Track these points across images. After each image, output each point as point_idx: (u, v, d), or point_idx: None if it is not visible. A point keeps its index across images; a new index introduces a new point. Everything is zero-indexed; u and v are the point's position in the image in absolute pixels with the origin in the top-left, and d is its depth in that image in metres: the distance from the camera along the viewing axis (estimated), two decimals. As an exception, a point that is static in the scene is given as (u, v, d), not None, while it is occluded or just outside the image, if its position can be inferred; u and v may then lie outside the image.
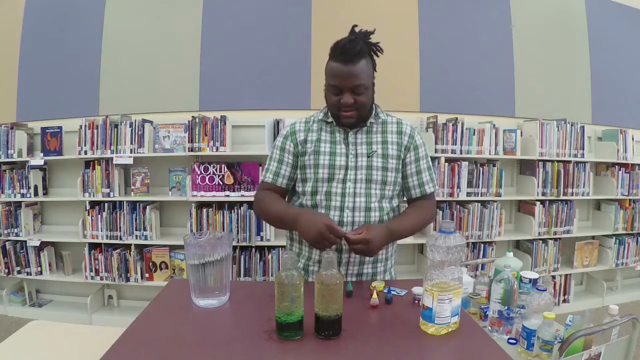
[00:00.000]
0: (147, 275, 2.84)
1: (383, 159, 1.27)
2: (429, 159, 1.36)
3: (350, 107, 1.20)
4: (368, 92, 1.22)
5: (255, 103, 2.94)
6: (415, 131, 1.35)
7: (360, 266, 1.28)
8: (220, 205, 2.76)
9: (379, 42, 1.24)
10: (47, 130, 2.84)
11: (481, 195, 2.86)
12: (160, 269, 2.84)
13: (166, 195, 2.81)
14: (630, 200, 3.18)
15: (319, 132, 1.31)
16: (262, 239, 2.75)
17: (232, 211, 2.72)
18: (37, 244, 2.84)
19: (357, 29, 1.22)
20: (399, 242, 2.98)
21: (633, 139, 3.17)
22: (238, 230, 2.73)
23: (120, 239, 2.77)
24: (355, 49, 1.15)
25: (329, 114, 1.31)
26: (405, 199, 1.39)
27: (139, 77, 2.96)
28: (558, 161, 2.98)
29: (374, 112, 1.30)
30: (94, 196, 2.76)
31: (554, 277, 3.10)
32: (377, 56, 1.26)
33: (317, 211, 1.26)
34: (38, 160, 2.80)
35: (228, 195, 2.73)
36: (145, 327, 0.95)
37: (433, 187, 1.35)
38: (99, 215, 2.77)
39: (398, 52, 3.00)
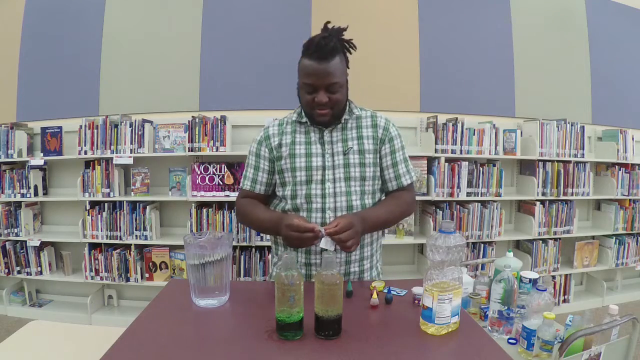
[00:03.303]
0: (147, 275, 2.84)
1: (360, 154, 1.26)
2: (405, 151, 1.34)
3: (324, 106, 1.18)
4: (342, 90, 1.20)
5: (255, 103, 2.94)
6: (390, 123, 1.33)
7: (347, 265, 1.27)
8: (220, 205, 2.76)
9: (352, 39, 1.22)
10: (47, 130, 2.84)
11: (481, 195, 2.86)
12: (160, 269, 2.84)
13: (166, 195, 2.81)
14: (630, 200, 3.18)
15: (293, 134, 1.29)
16: (262, 239, 2.75)
17: (232, 211, 2.72)
18: (37, 244, 2.84)
19: (330, 26, 1.19)
20: (398, 242, 2.96)
21: (633, 139, 3.17)
22: (238, 230, 2.73)
23: (120, 239, 2.77)
24: (329, 45, 1.13)
25: (303, 113, 1.28)
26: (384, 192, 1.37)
27: (139, 77, 2.96)
28: (558, 161, 2.98)
29: (347, 108, 1.29)
30: (94, 196, 2.76)
31: (554, 277, 3.09)
32: (350, 53, 1.23)
33: (294, 214, 1.22)
34: (38, 160, 2.80)
35: (228, 195, 2.73)
36: (145, 327, 0.95)
37: (410, 179, 1.34)
38: (99, 215, 2.77)
39: (398, 52, 3.00)
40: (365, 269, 1.32)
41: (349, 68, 1.23)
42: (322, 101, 1.17)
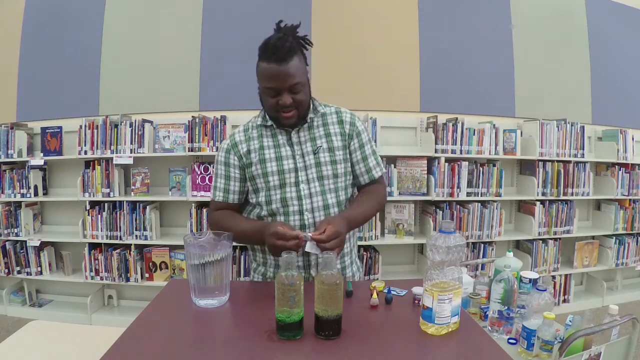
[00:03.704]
0: (147, 275, 2.84)
1: (330, 152, 1.25)
2: (373, 142, 1.35)
3: (289, 107, 1.16)
4: (305, 89, 1.19)
5: (255, 103, 2.92)
6: (356, 117, 1.32)
7: None
8: (220, 205, 2.76)
9: (306, 35, 1.20)
10: (47, 130, 2.84)
11: (481, 195, 2.86)
12: (160, 269, 2.84)
13: (166, 195, 2.81)
14: (630, 200, 3.17)
15: (260, 139, 1.27)
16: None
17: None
18: (37, 244, 2.83)
19: (282, 25, 1.17)
20: (398, 242, 2.96)
21: (633, 139, 3.17)
22: (238, 230, 2.72)
23: (120, 239, 2.77)
24: (286, 46, 1.11)
25: (267, 117, 1.27)
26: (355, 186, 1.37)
27: (139, 77, 2.96)
28: (558, 161, 2.98)
29: (312, 106, 1.27)
30: (94, 196, 2.76)
31: (554, 277, 3.09)
32: (307, 49, 1.21)
33: (278, 222, 1.20)
34: (38, 160, 2.80)
35: (228, 195, 2.72)
36: (145, 327, 0.95)
37: (381, 171, 1.34)
38: (99, 215, 2.77)
39: (398, 52, 3.00)
40: (346, 265, 1.33)
41: (308, 65, 1.22)
42: (287, 103, 1.15)
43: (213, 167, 2.70)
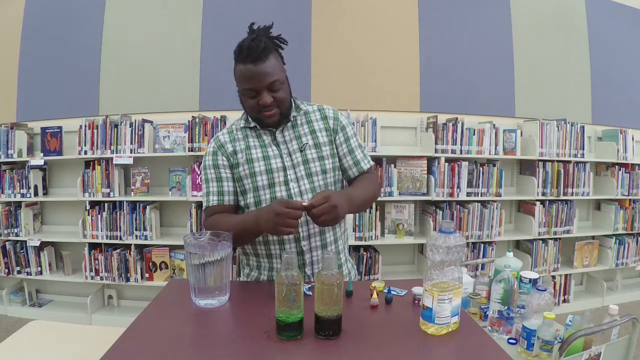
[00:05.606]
0: (147, 275, 2.84)
1: (316, 148, 1.25)
2: (358, 137, 1.35)
3: (270, 107, 1.16)
4: (284, 87, 1.19)
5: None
6: (339, 113, 1.33)
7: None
8: (220, 205, 2.76)
9: (280, 34, 1.20)
10: (47, 130, 2.84)
11: (481, 195, 2.86)
12: (160, 269, 2.84)
13: (166, 195, 2.81)
14: (630, 200, 3.18)
15: (245, 140, 1.27)
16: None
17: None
18: (37, 244, 2.84)
19: (255, 26, 1.18)
20: (398, 242, 2.95)
21: (633, 139, 3.17)
22: (238, 230, 2.72)
23: (120, 239, 2.77)
24: (261, 46, 1.11)
25: (249, 119, 1.27)
26: (345, 181, 1.37)
27: (139, 77, 2.96)
28: (558, 161, 2.98)
29: (293, 105, 1.27)
30: (94, 196, 2.76)
31: (554, 277, 3.09)
32: (282, 49, 1.22)
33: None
34: (38, 160, 2.80)
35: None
36: (145, 327, 0.95)
37: (369, 163, 1.34)
38: (99, 215, 2.77)
39: (398, 52, 3.00)
40: (342, 263, 1.33)
41: (285, 64, 1.22)
42: (267, 102, 1.15)
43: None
